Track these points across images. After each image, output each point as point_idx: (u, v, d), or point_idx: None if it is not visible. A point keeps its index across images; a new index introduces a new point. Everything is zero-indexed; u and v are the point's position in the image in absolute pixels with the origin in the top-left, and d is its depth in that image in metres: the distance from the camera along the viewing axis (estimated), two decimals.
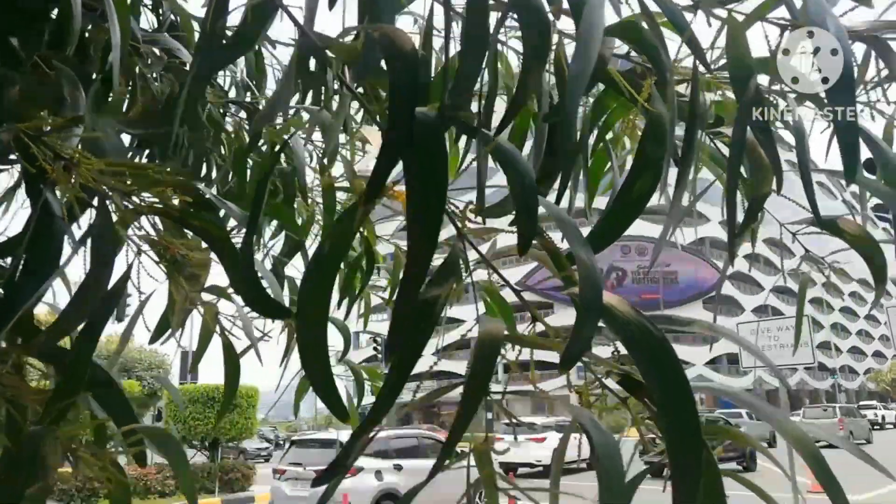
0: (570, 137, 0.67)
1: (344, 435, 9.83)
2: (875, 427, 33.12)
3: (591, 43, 0.65)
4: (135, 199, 1.03)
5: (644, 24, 0.90)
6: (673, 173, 1.70)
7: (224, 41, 1.04)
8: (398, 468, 9.90)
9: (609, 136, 1.60)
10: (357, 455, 0.74)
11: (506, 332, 0.73)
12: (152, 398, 22.86)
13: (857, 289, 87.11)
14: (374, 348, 23.70)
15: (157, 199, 1.05)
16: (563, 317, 65.75)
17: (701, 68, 1.21)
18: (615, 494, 0.66)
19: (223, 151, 1.97)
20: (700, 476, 0.67)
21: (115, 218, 1.09)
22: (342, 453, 0.71)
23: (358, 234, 2.27)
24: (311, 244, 2.13)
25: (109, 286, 1.01)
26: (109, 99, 1.59)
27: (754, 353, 0.96)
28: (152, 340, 1.25)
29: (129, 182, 0.92)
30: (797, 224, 1.23)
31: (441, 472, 0.73)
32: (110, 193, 0.97)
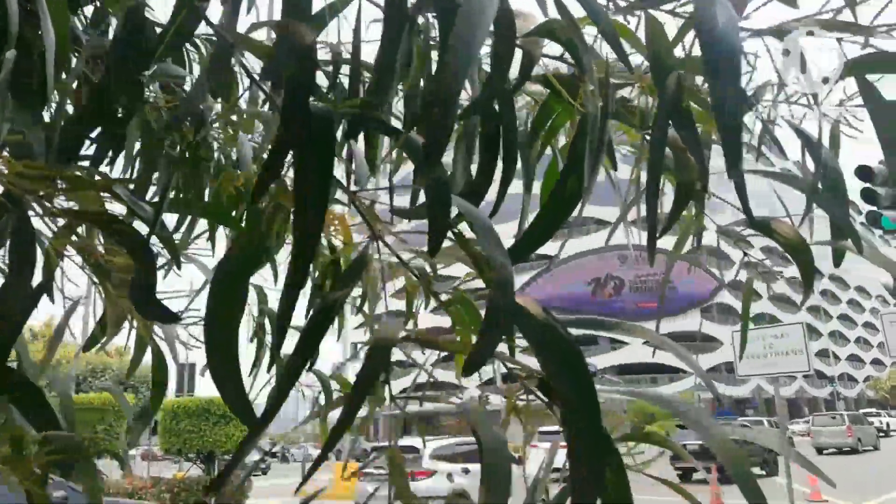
0: (449, 118, 0.65)
1: (419, 442, 11.43)
2: (880, 434, 33.27)
3: (472, 29, 0.63)
4: (57, 202, 1.02)
5: (566, 24, 0.89)
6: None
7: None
8: (466, 471, 11.29)
9: (563, 143, 1.59)
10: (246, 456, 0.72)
11: (402, 334, 0.71)
12: (147, 411, 22.62)
13: (856, 296, 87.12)
14: None
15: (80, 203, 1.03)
16: None
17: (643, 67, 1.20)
18: (498, 494, 0.64)
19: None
20: (602, 480, 0.65)
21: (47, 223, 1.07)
22: (236, 455, 0.69)
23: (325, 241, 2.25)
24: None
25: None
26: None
27: (686, 360, 0.93)
28: (86, 349, 1.22)
29: (32, 185, 0.90)
30: (735, 225, 1.22)
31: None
32: (28, 196, 0.96)
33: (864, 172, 10.20)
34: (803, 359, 10.96)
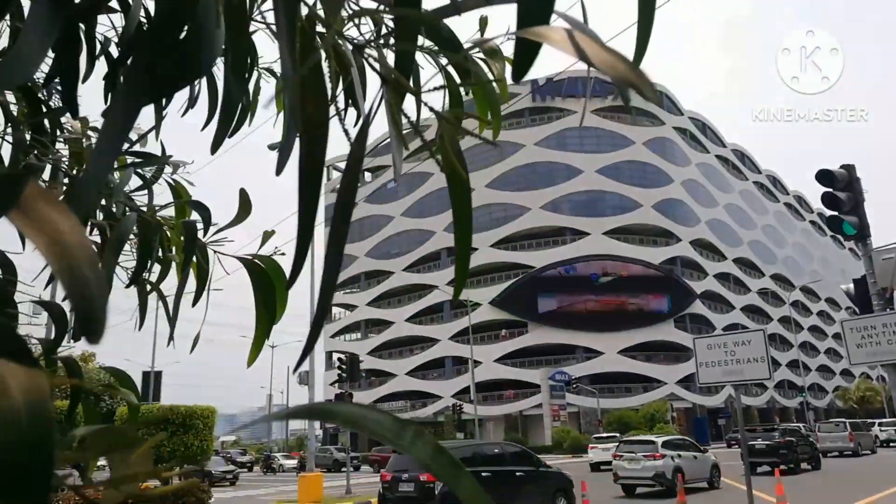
0: None
1: (655, 437, 20.75)
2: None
3: None
4: None
5: None
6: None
7: None
8: (679, 455, 19.04)
9: None
10: None
11: None
12: (110, 419, 21.94)
13: (826, 308, 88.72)
14: (340, 369, 22.60)
15: None
16: (537, 335, 65.49)
17: None
18: None
19: None
20: None
21: None
22: None
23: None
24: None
25: None
26: None
27: None
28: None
29: None
30: None
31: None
32: None
33: (825, 176, 9.97)
34: (764, 366, 10.85)
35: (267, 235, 1.39)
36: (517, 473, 12.49)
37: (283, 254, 1.22)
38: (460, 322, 59.26)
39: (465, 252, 0.84)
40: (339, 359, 23.26)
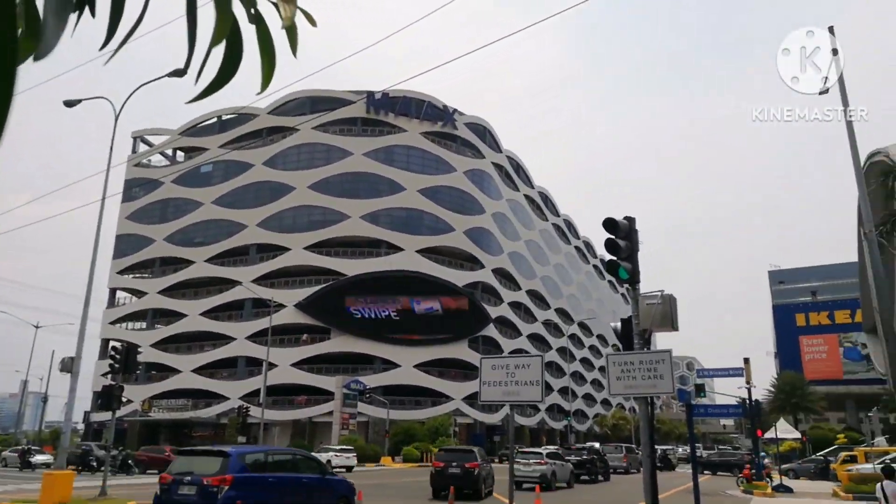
0: None
1: (539, 450, 29.96)
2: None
3: None
4: None
5: None
6: None
7: None
8: (555, 463, 27.78)
9: None
10: None
11: None
12: None
13: (596, 343, 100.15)
14: (112, 358, 20.13)
15: None
16: (339, 343, 65.15)
17: None
18: None
19: None
20: None
21: None
22: None
23: None
24: None
25: None
26: None
27: None
28: None
29: None
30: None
31: None
32: None
33: (609, 224, 11.27)
34: (538, 389, 11.89)
35: None
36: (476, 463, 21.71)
37: None
38: (261, 322, 56.79)
39: None
40: (114, 347, 21.02)
